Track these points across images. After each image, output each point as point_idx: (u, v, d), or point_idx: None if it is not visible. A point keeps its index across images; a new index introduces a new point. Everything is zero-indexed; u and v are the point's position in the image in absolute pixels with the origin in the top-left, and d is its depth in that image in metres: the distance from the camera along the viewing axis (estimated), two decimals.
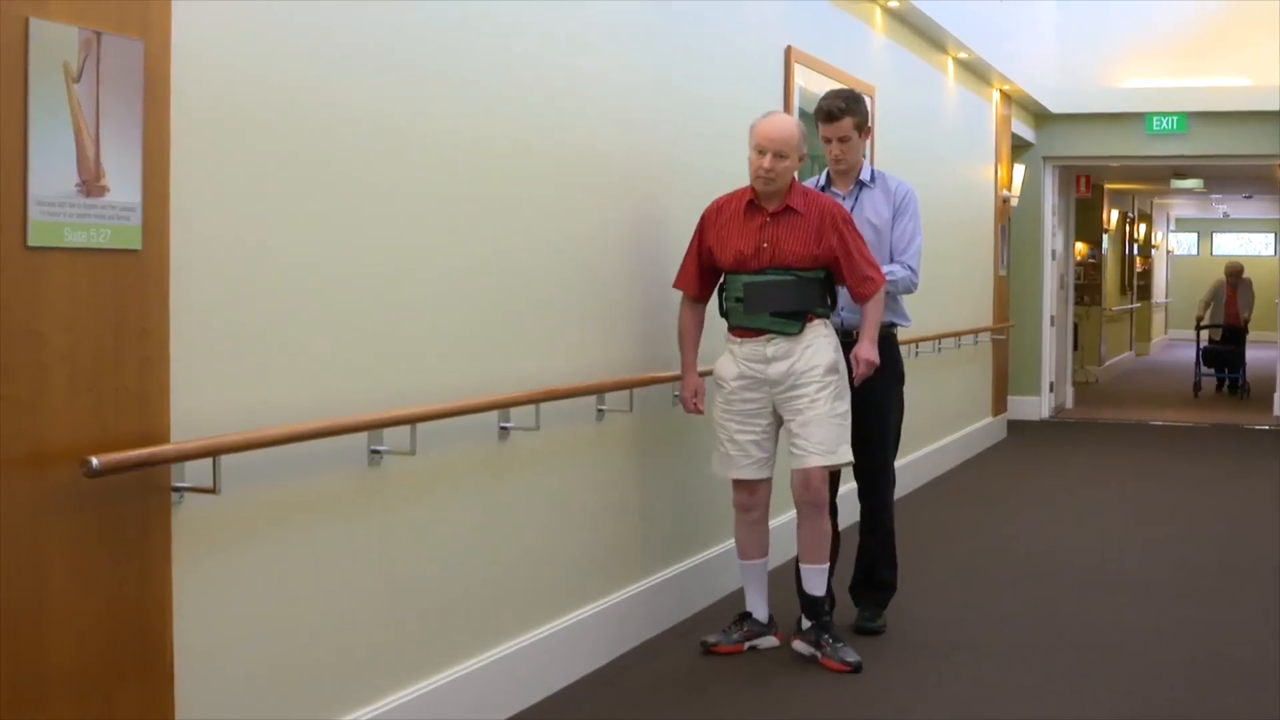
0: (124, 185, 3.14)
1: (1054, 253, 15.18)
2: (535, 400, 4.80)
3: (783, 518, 6.38)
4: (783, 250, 5.33)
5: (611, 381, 5.36)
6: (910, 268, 5.89)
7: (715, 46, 6.44)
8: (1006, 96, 13.07)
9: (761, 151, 5.29)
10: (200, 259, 3.41)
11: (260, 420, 3.59)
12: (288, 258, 3.73)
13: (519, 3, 4.75)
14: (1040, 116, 14.73)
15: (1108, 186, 20.54)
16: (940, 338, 10.45)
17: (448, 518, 4.47)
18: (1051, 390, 15.25)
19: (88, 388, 3.09)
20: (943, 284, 10.83)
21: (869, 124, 5.84)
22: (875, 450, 5.85)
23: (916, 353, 9.68)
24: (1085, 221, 19.02)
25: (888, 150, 8.97)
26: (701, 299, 5.56)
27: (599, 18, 5.34)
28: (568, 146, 5.12)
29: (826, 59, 7.86)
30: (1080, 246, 19.01)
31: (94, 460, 3.04)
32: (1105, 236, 20.83)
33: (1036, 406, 14.97)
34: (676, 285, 5.57)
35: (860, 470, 5.84)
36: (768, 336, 5.35)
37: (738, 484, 5.52)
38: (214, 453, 3.37)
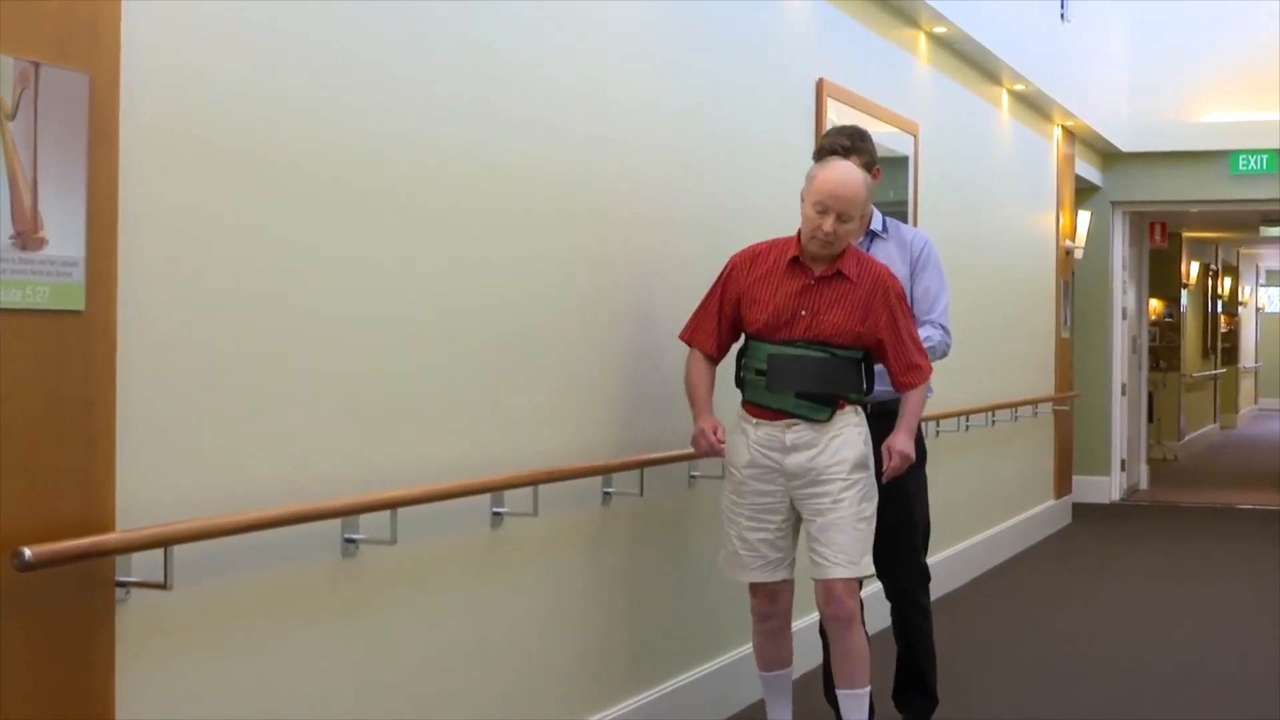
0: (65, 238, 3.16)
1: (1125, 311, 15.19)
2: (533, 482, 4.80)
3: (808, 618, 6.37)
4: (822, 322, 5.18)
5: (619, 462, 5.36)
6: (943, 327, 5.89)
7: (740, 79, 6.49)
8: (1070, 134, 13.13)
9: (824, 211, 5.13)
10: (152, 321, 3.43)
11: (218, 506, 3.60)
12: (252, 321, 3.74)
13: (533, 31, 4.80)
14: (1108, 156, 14.78)
15: (1186, 235, 20.59)
16: (993, 409, 10.45)
17: (432, 617, 4.46)
18: (1123, 469, 15.22)
19: (21, 468, 3.09)
20: (996, 348, 10.84)
21: (877, 163, 5.77)
22: (904, 543, 5.82)
23: (967, 426, 9.69)
24: (1161, 275, 19.05)
25: (933, 197, 9.01)
26: (716, 358, 5.41)
27: (610, 45, 5.38)
28: (576, 192, 5.16)
29: (863, 93, 7.90)
30: (1155, 304, 19.06)
31: (27, 551, 3.04)
32: (1184, 292, 20.88)
33: (1106, 488, 14.95)
34: (687, 338, 5.41)
35: (886, 567, 5.77)
36: (789, 421, 5.19)
37: (754, 588, 5.37)
38: (165, 542, 3.37)
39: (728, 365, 5.41)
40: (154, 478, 3.44)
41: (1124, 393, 15.15)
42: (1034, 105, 11.82)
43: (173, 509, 3.47)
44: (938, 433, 9.01)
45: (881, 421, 5.42)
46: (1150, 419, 17.52)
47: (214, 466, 3.63)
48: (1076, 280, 13.93)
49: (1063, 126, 12.86)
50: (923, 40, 9.13)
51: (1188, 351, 21.49)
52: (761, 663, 5.49)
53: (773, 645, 5.45)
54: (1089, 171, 14.27)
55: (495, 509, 4.72)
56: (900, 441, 5.32)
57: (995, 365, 10.71)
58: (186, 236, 3.54)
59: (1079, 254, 13.65)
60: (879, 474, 5.33)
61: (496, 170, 4.73)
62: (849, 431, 5.21)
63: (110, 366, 3.29)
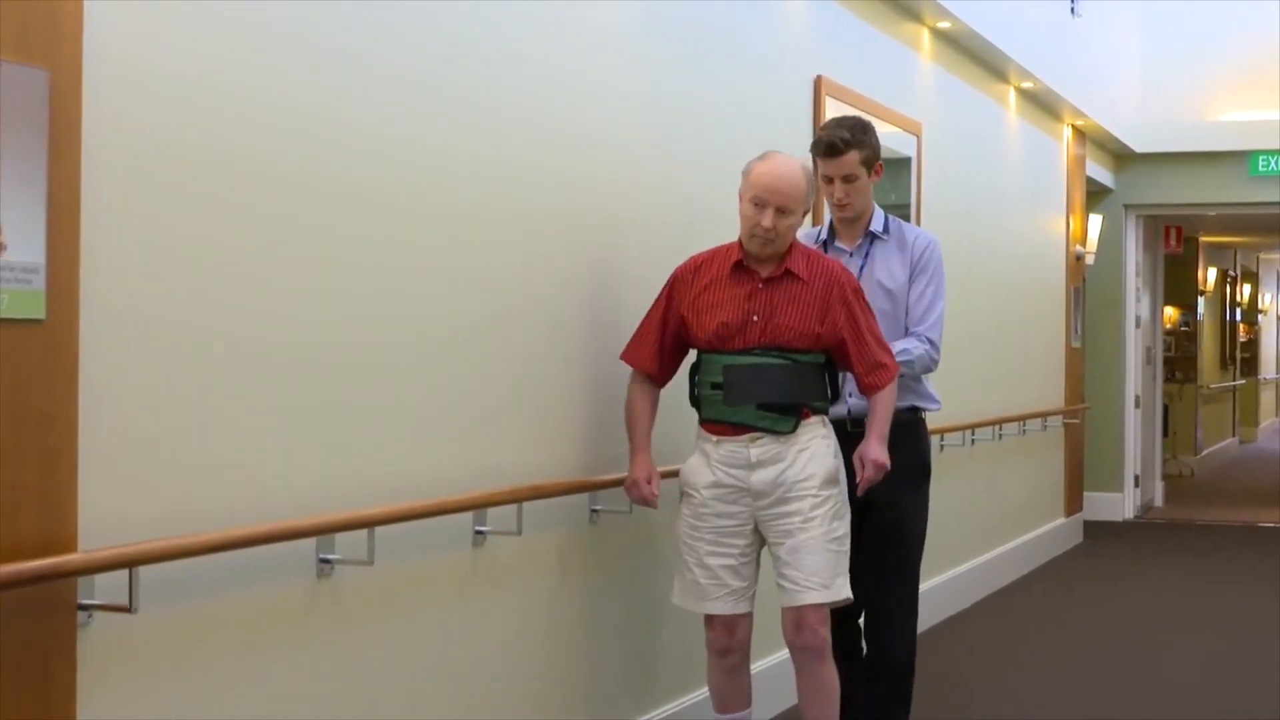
0: (25, 242, 3.15)
1: (1138, 320, 15.22)
2: (517, 499, 4.81)
3: (771, 658, 6.34)
4: (777, 326, 5.06)
5: (609, 479, 5.35)
6: (930, 341, 5.64)
7: (734, 76, 6.49)
8: (1080, 133, 13.16)
9: (761, 205, 5.05)
10: (117, 330, 3.42)
11: (186, 524, 3.59)
12: (224, 330, 3.74)
13: (521, 27, 4.81)
14: (1121, 157, 14.81)
15: (1203, 240, 20.62)
16: (1000, 423, 10.46)
17: (411, 641, 4.46)
18: (1137, 485, 15.24)
19: None
20: (1003, 358, 10.85)
21: (880, 159, 5.61)
22: (890, 570, 5.58)
23: (972, 440, 9.69)
24: (1176, 282, 19.08)
25: (936, 200, 9.02)
26: (659, 379, 5.30)
27: (596, 42, 5.39)
28: (565, 196, 5.16)
29: (863, 91, 7.92)
30: (1170, 312, 19.08)
31: None
32: (1201, 299, 20.91)
33: (1119, 505, 14.97)
34: (626, 358, 5.30)
35: (866, 596, 5.48)
36: (752, 435, 5.06)
37: (711, 620, 5.19)
38: (130, 563, 3.36)
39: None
40: (118, 495, 3.43)
41: (1138, 405, 15.17)
42: (1043, 104, 11.84)
43: (138, 528, 3.46)
44: (942, 447, 9.01)
45: (857, 438, 5.26)
46: (1165, 433, 17.52)
47: (182, 483, 3.62)
48: (1087, 287, 13.95)
49: (1073, 126, 12.88)
50: (926, 36, 9.14)
51: (1205, 362, 21.53)
52: (720, 703, 5.31)
53: (734, 684, 5.27)
54: (1100, 173, 14.30)
55: (478, 527, 4.72)
56: (873, 449, 5.17)
57: (1002, 376, 10.71)
58: (155, 241, 3.54)
59: (1090, 259, 13.66)
60: (852, 487, 5.20)
61: (482, 174, 4.73)
62: (817, 444, 5.11)
63: (72, 378, 3.28)
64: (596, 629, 5.45)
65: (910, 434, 5.63)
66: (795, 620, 5.07)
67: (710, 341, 5.11)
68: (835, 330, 5.12)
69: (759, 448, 5.07)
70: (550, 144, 5.11)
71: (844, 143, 5.48)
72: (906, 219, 8.48)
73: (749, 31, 6.69)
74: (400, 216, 4.39)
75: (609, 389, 5.43)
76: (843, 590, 5.06)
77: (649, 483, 5.20)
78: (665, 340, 5.24)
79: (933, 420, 8.77)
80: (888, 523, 5.53)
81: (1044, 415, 11.88)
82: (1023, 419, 11.19)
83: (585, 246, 5.34)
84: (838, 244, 5.70)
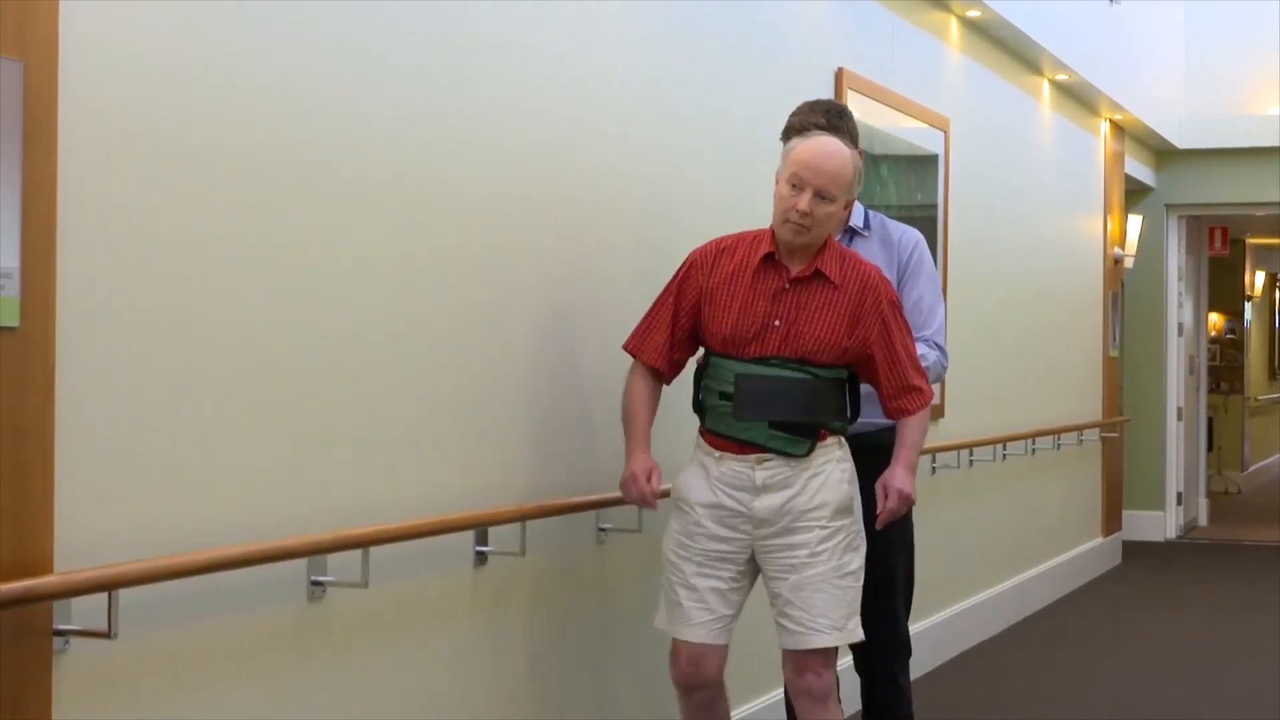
0: None
1: (1181, 327, 15.21)
2: (521, 517, 4.81)
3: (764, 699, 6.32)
4: (800, 335, 4.78)
5: (615, 495, 5.33)
6: (938, 346, 5.46)
7: (750, 69, 6.49)
8: (1119, 128, 13.16)
9: (798, 186, 4.73)
10: (96, 338, 3.42)
11: (169, 545, 3.59)
12: (209, 336, 3.74)
13: (530, 22, 4.81)
14: (1162, 154, 14.81)
15: (1250, 241, 20.62)
16: (1033, 436, 10.47)
17: (409, 667, 4.46)
18: (1179, 503, 15.22)
19: None
20: (1036, 368, 10.84)
21: (859, 148, 5.23)
22: (880, 607, 5.40)
23: (1004, 455, 9.69)
24: (1221, 286, 19.06)
25: (965, 199, 9.01)
26: (665, 375, 5.03)
27: (605, 35, 5.39)
28: (566, 195, 5.16)
29: (888, 84, 7.92)
30: (1215, 318, 19.06)
31: None
32: (1248, 305, 20.91)
33: (1160, 524, 14.96)
34: (631, 349, 5.01)
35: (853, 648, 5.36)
36: (761, 456, 4.78)
37: (675, 650, 4.89)
38: (109, 586, 3.36)
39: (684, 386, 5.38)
40: (97, 513, 3.43)
41: (1180, 418, 15.15)
42: (1078, 97, 11.84)
43: (118, 548, 3.46)
44: (971, 462, 9.01)
45: (871, 459, 5.05)
46: (1210, 447, 17.53)
47: (165, 500, 3.62)
48: (1126, 292, 13.95)
49: (1110, 120, 12.88)
50: (954, 25, 9.14)
51: (1252, 372, 21.51)
52: None
53: None
54: (1140, 171, 14.29)
55: (479, 547, 4.72)
56: (899, 477, 4.91)
57: (1035, 387, 10.71)
58: (136, 242, 3.54)
59: (1129, 263, 13.65)
60: (872, 518, 4.97)
61: (492, 177, 4.73)
62: (831, 469, 4.83)
63: (48, 389, 3.28)
64: (603, 655, 5.45)
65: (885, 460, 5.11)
66: (798, 663, 4.84)
67: (723, 343, 4.84)
68: (865, 345, 4.84)
69: (766, 470, 4.79)
70: (562, 140, 5.12)
71: (820, 129, 5.07)
72: (933, 220, 8.52)
73: (767, 22, 6.69)
74: (399, 224, 4.39)
75: (615, 403, 5.40)
76: (856, 633, 4.85)
77: (649, 478, 4.88)
78: (676, 333, 4.95)
79: (962, 433, 8.84)
80: (875, 559, 5.09)
81: (1080, 428, 11.86)
82: (1057, 432, 11.18)
83: (585, 257, 5.33)
84: None
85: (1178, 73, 14.22)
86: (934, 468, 8.44)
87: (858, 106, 7.47)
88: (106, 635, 3.38)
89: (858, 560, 4.86)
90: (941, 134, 8.76)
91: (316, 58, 4.07)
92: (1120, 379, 13.59)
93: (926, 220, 8.47)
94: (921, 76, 8.59)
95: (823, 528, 4.78)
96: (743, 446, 4.81)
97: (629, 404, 4.99)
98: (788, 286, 4.81)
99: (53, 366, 3.29)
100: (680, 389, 5.14)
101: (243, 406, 3.85)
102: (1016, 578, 10.33)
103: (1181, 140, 14.31)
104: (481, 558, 4.74)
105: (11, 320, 3.19)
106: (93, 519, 3.42)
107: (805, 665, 4.82)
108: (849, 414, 4.94)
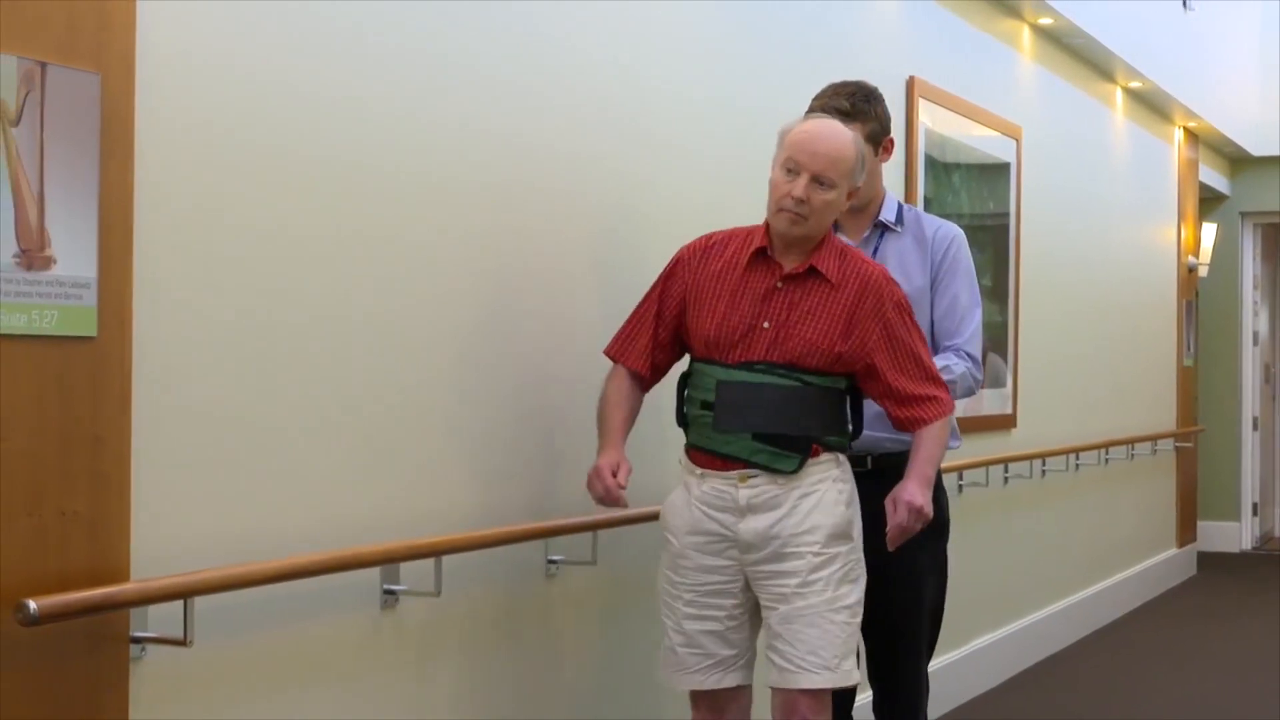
0: (75, 256, 3.18)
1: (1256, 336, 15.10)
2: (591, 528, 4.80)
3: None
4: (791, 337, 4.34)
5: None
6: (970, 357, 4.94)
7: (822, 78, 6.45)
8: (1193, 136, 13.07)
9: (793, 171, 4.33)
10: (172, 348, 3.45)
11: (244, 553, 3.61)
12: (285, 347, 3.76)
13: (604, 34, 4.83)
14: (1237, 161, 14.70)
15: None
16: (1107, 446, 10.41)
17: (482, 675, 4.47)
18: (1256, 514, 15.11)
19: (25, 512, 3.11)
20: (1110, 378, 10.79)
21: (890, 133, 4.96)
22: (904, 644, 4.97)
23: (1077, 465, 9.65)
24: None
25: (1037, 208, 8.97)
26: (647, 380, 4.60)
27: (685, 44, 5.39)
28: (640, 199, 5.18)
29: (959, 92, 7.90)
30: None
31: (31, 604, 3.04)
32: None
33: (1236, 535, 14.85)
34: (613, 354, 4.58)
35: (880, 672, 5.02)
36: (745, 472, 4.33)
37: (695, 699, 4.49)
38: (185, 593, 3.38)
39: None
40: (172, 522, 3.45)
41: (1256, 427, 15.04)
42: (1152, 104, 11.78)
43: (193, 556, 3.48)
44: (1044, 472, 8.97)
45: (885, 481, 4.57)
46: None
47: (239, 509, 3.64)
48: (1200, 301, 13.85)
49: (1184, 128, 12.80)
50: (1026, 34, 9.11)
51: None
52: None
53: None
54: (1215, 179, 14.20)
55: (550, 558, 4.74)
56: (910, 490, 4.39)
57: (1109, 397, 10.65)
58: (211, 253, 3.56)
59: (1204, 271, 13.56)
60: (882, 539, 4.46)
61: (544, 181, 4.75)
62: (826, 489, 4.36)
63: (125, 398, 3.31)
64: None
65: None
66: (786, 705, 4.34)
67: (706, 346, 4.41)
68: (862, 351, 4.37)
69: (750, 489, 4.34)
70: (624, 152, 5.12)
71: (842, 114, 4.72)
72: (1005, 230, 8.48)
73: (839, 31, 6.68)
74: (480, 232, 4.40)
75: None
76: (850, 676, 4.34)
77: (614, 471, 4.35)
78: (660, 334, 4.52)
79: (1034, 443, 8.80)
80: (896, 591, 4.81)
81: (1154, 438, 11.79)
82: (1131, 442, 11.10)
83: (639, 265, 5.33)
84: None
85: (1253, 78, 14.11)
86: (1006, 478, 8.41)
87: (929, 115, 7.47)
88: (182, 643, 3.39)
89: (856, 593, 4.38)
90: (1014, 142, 8.72)
91: (389, 65, 4.08)
92: (1195, 389, 13.50)
93: (998, 229, 8.46)
94: (993, 85, 8.56)
95: (815, 554, 4.30)
96: (726, 462, 4.36)
97: (605, 404, 4.53)
98: (779, 285, 4.39)
99: (129, 376, 3.31)
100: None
101: (316, 414, 3.87)
102: (1090, 589, 10.28)
103: (1256, 147, 14.20)
104: (553, 568, 4.74)
105: (89, 330, 3.22)
106: (169, 527, 3.44)
107: (793, 707, 4.33)
108: (849, 429, 4.51)
